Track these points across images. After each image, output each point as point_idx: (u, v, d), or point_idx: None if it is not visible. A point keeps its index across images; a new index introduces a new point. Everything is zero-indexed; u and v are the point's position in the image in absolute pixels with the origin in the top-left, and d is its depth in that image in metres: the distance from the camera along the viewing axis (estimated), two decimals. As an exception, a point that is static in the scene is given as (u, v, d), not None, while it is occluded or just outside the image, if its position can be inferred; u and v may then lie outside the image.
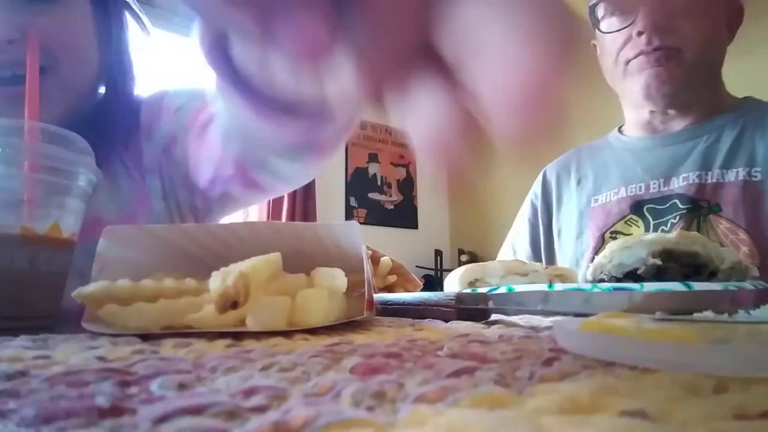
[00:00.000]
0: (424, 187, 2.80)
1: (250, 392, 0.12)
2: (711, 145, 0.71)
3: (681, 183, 0.71)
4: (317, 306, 0.26)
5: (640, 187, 0.75)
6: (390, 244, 2.46)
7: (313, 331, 0.25)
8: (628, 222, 0.74)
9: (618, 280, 0.39)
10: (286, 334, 0.24)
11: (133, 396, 0.12)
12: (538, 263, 0.45)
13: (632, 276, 0.38)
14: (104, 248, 0.30)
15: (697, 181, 0.69)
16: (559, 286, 0.34)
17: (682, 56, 0.67)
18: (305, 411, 0.10)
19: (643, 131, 0.79)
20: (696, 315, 0.26)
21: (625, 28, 0.69)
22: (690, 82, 0.69)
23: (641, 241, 0.38)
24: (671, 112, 0.74)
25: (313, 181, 2.24)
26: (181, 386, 0.13)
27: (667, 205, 0.71)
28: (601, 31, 0.74)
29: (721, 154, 0.70)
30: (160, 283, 0.27)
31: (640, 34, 0.67)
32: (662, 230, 0.71)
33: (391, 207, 2.66)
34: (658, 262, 0.37)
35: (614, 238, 0.73)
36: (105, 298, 0.25)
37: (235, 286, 0.23)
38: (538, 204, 0.89)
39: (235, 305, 0.23)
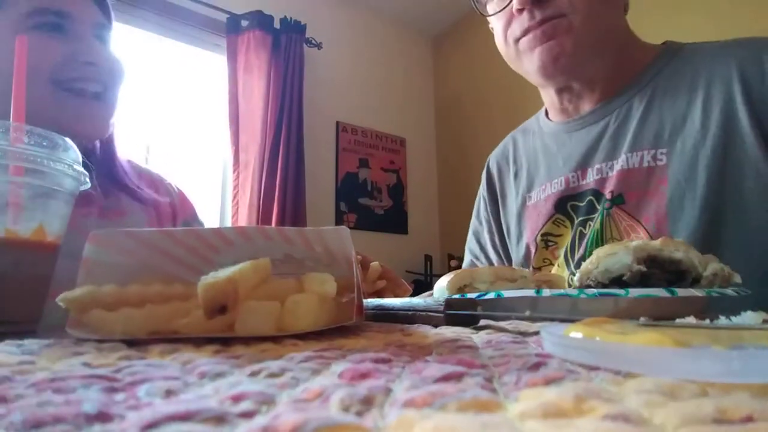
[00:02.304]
0: (414, 193, 2.81)
1: (238, 398, 0.12)
2: (620, 125, 0.65)
3: (595, 175, 0.66)
4: (306, 311, 0.26)
5: (561, 181, 0.70)
6: (380, 249, 2.46)
7: (303, 337, 0.25)
8: (556, 222, 0.70)
9: (604, 286, 0.40)
10: (275, 339, 0.24)
11: (120, 402, 0.12)
12: (527, 269, 0.45)
13: (618, 282, 0.39)
14: (90, 253, 0.29)
15: (607, 170, 0.64)
16: (546, 292, 0.35)
17: (568, 22, 0.60)
18: (294, 416, 0.10)
19: (559, 115, 0.74)
20: (678, 321, 0.26)
21: (505, 8, 0.64)
22: (587, 47, 0.62)
23: (626, 248, 0.39)
24: (576, 85, 0.67)
25: (303, 185, 2.23)
26: (169, 392, 0.13)
27: (584, 201, 0.66)
28: (484, 15, 0.70)
29: (628, 134, 0.63)
30: (146, 288, 0.27)
31: (520, 11, 0.62)
32: (580, 231, 0.65)
33: (381, 212, 2.66)
34: (643, 268, 0.38)
35: (545, 241, 0.70)
36: (90, 303, 0.25)
37: (224, 291, 0.23)
38: (487, 198, 0.84)
39: (223, 310, 0.23)
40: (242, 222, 2.07)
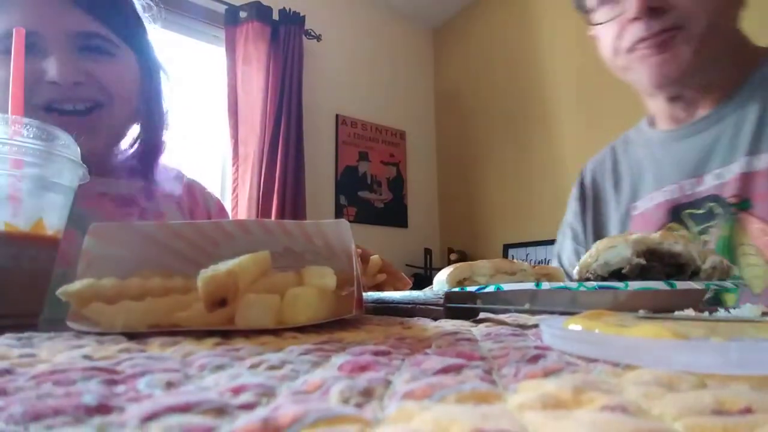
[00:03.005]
0: (414, 186, 2.80)
1: (238, 390, 0.12)
2: (737, 128, 0.63)
3: (713, 181, 0.63)
4: (306, 304, 0.26)
5: (674, 189, 0.67)
6: (380, 243, 2.46)
7: (302, 330, 0.25)
8: (669, 230, 0.65)
9: (603, 278, 0.40)
10: (275, 332, 0.24)
11: (120, 394, 0.12)
12: (526, 262, 0.45)
13: (617, 275, 0.39)
14: (90, 246, 0.29)
15: (727, 175, 0.62)
16: (546, 285, 0.35)
17: (687, 33, 0.59)
18: (294, 408, 0.10)
19: (669, 122, 0.71)
20: (677, 313, 0.27)
21: (616, 17, 0.62)
22: (703, 59, 0.60)
23: (626, 241, 0.39)
24: (688, 93, 0.66)
25: (303, 178, 2.23)
26: (169, 384, 0.13)
27: (703, 208, 0.64)
28: (592, 24, 0.68)
29: (746, 136, 0.61)
30: (147, 281, 0.27)
31: (635, 20, 0.60)
32: (703, 239, 0.63)
33: (381, 205, 2.66)
34: (642, 261, 0.38)
35: None
36: (91, 296, 0.25)
37: (224, 284, 0.23)
38: (577, 208, 0.82)
39: (223, 303, 0.23)
40: (242, 215, 2.07)
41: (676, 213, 0.67)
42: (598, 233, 0.78)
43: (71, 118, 0.55)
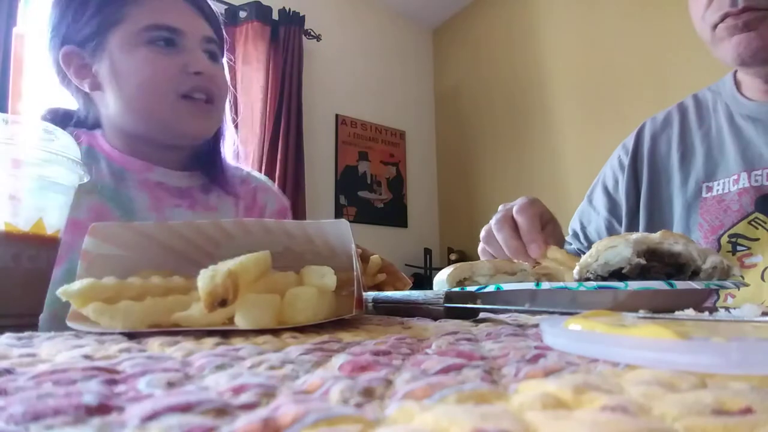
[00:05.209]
0: (414, 186, 2.80)
1: (239, 390, 0.12)
2: None
3: None
4: (306, 304, 0.26)
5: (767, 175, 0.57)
6: (379, 243, 2.46)
7: (302, 329, 0.25)
8: (753, 223, 0.57)
9: (604, 278, 0.40)
10: (275, 332, 0.24)
11: (120, 394, 0.12)
12: (526, 262, 0.45)
13: (617, 275, 0.39)
14: (91, 246, 0.29)
15: None
16: (546, 285, 0.35)
17: None
18: (294, 408, 0.10)
19: (764, 95, 0.62)
20: (678, 313, 0.27)
21: None
22: None
23: (626, 240, 0.39)
24: None
25: (303, 178, 2.23)
26: (170, 384, 0.13)
27: None
28: None
29: None
30: (147, 281, 0.27)
31: None
32: None
33: (381, 205, 2.66)
34: (643, 261, 0.38)
35: (733, 243, 0.59)
36: (91, 296, 0.25)
37: (224, 284, 0.23)
38: (626, 177, 0.69)
39: (224, 303, 0.23)
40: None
41: (765, 203, 0.58)
42: (654, 213, 0.67)
43: (200, 105, 0.64)
